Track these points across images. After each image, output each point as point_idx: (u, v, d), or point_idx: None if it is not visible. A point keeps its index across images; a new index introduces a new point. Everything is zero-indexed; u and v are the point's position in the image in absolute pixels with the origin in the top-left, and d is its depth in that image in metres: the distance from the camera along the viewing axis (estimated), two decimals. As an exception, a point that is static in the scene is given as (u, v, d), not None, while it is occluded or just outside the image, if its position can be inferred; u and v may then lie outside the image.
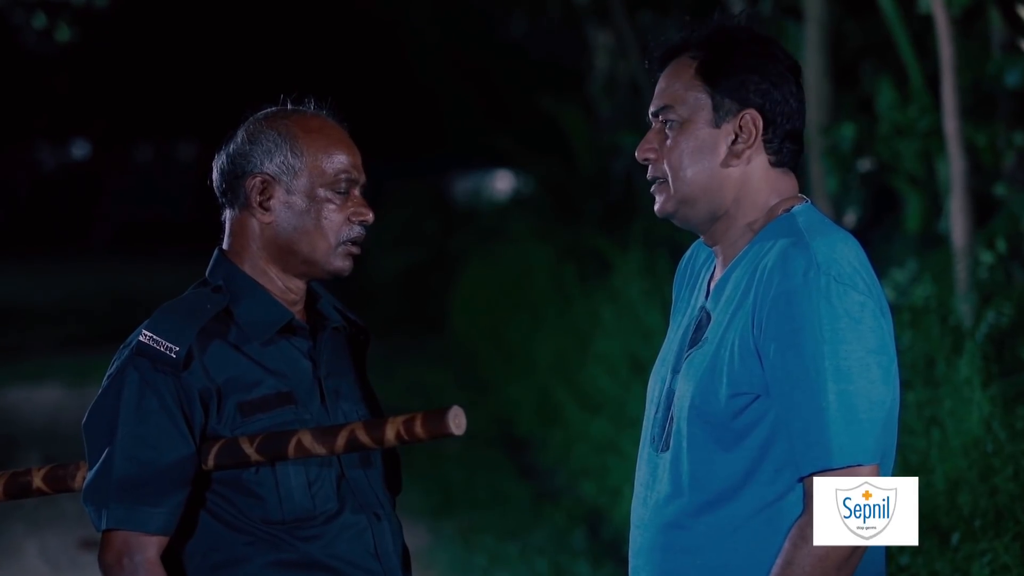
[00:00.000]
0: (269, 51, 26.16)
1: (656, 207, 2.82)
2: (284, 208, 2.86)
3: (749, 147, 2.75)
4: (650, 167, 2.81)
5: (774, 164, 2.77)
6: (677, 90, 2.77)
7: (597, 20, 14.65)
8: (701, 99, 2.76)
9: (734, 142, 2.75)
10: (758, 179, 2.77)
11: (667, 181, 2.78)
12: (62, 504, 7.90)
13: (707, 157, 2.75)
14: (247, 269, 2.88)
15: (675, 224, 2.85)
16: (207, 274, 2.90)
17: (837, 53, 8.59)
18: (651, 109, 2.82)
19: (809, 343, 2.61)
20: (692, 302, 2.87)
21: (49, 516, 7.93)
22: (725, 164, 2.75)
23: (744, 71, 2.74)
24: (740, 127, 2.75)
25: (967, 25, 7.66)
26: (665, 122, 2.78)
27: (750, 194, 2.76)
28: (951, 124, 6.48)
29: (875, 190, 8.41)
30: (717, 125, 2.75)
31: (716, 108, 2.75)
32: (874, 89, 8.29)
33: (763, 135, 2.75)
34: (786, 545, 2.62)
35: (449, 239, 16.82)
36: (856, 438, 2.60)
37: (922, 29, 7.95)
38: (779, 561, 2.62)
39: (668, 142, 2.77)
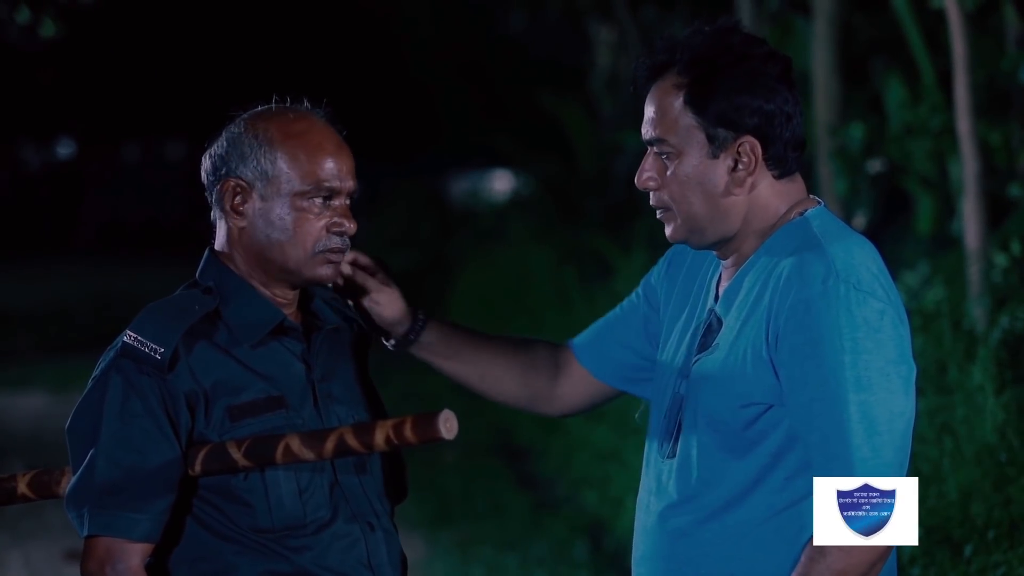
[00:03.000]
0: (261, 47, 26.13)
1: (667, 234, 2.79)
2: (258, 215, 2.79)
3: (751, 174, 2.70)
4: (652, 195, 2.76)
5: (779, 177, 2.73)
6: (668, 122, 2.71)
7: (599, 15, 14.61)
8: (693, 131, 2.69)
9: (734, 169, 2.70)
10: (765, 196, 2.72)
11: (672, 210, 2.74)
12: (46, 515, 7.87)
13: (708, 189, 2.70)
14: (238, 270, 2.81)
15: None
16: (198, 275, 2.85)
17: (846, 49, 8.66)
18: (644, 136, 2.76)
19: (829, 353, 2.57)
20: (700, 303, 2.82)
21: (33, 527, 7.89)
22: (727, 193, 2.70)
23: (732, 94, 2.67)
24: (739, 154, 2.69)
25: (981, 20, 7.75)
26: (660, 152, 2.73)
27: (759, 211, 2.72)
28: (964, 123, 6.47)
29: (885, 191, 8.47)
30: (714, 156, 2.69)
31: (711, 139, 2.69)
32: (884, 87, 8.33)
33: (763, 156, 2.69)
34: (802, 559, 2.59)
35: (446, 241, 16.83)
36: (877, 450, 2.56)
37: (934, 24, 8.06)
38: (794, 575, 2.59)
39: (668, 172, 2.72)
